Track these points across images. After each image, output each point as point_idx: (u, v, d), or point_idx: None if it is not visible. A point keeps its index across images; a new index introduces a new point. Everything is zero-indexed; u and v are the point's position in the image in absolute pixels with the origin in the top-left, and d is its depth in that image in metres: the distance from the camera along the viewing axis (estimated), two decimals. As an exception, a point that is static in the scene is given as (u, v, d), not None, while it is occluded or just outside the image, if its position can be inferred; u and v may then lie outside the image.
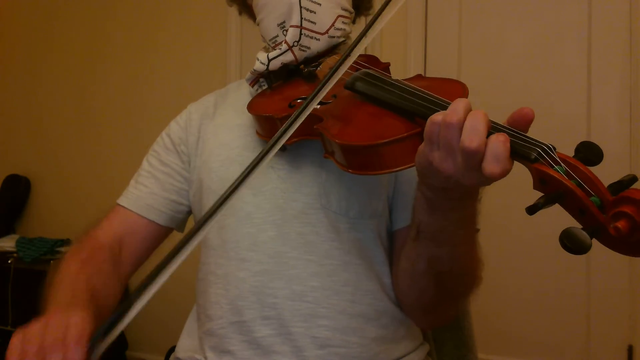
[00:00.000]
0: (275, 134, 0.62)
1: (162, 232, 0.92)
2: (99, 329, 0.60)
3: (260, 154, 0.60)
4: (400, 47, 2.20)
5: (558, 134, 1.96)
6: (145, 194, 0.90)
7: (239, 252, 0.80)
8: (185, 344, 0.88)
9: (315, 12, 0.80)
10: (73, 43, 2.76)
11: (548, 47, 2.03)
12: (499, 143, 0.51)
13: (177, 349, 0.89)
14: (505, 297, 2.04)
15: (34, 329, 0.59)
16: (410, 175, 0.80)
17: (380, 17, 0.68)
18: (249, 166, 0.59)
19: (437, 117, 0.55)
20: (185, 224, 0.96)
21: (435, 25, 2.20)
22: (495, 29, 2.11)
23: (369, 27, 0.68)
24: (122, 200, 0.91)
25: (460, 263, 0.71)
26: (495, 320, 2.03)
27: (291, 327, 0.76)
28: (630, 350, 1.93)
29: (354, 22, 0.91)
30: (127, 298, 0.57)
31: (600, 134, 1.92)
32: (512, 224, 2.03)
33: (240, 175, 0.59)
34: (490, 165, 0.51)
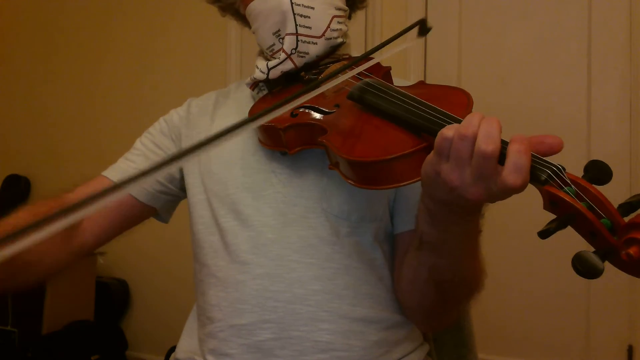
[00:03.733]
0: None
1: (138, 211, 0.89)
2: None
3: (235, 124, 0.53)
4: (400, 52, 2.20)
5: (558, 134, 1.97)
6: (132, 169, 0.88)
7: (240, 255, 0.79)
8: (185, 344, 0.88)
9: (309, 17, 0.79)
10: (74, 43, 2.76)
11: (548, 47, 2.03)
12: (522, 154, 0.51)
13: (177, 349, 0.89)
14: (505, 297, 2.04)
15: None
16: None
17: (388, 45, 0.67)
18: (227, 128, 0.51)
19: (449, 131, 0.55)
20: (171, 214, 0.95)
21: (435, 26, 2.19)
22: (495, 30, 2.11)
23: (372, 51, 0.67)
24: (106, 172, 0.89)
25: (461, 274, 0.71)
26: (495, 320, 2.03)
27: (292, 331, 0.75)
28: (630, 350, 1.93)
29: (349, 18, 0.91)
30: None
31: (600, 134, 1.92)
32: (512, 223, 2.03)
33: (211, 136, 0.50)
34: (511, 177, 0.51)
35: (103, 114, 2.68)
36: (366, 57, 0.69)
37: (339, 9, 0.83)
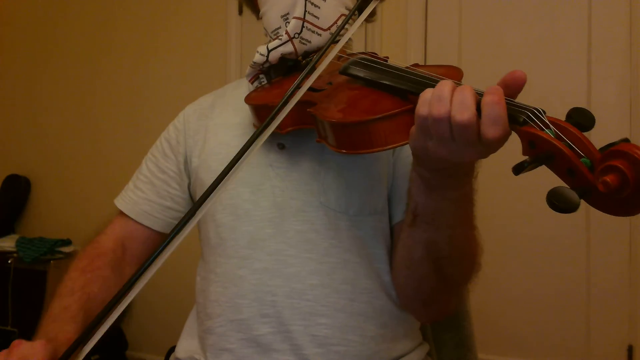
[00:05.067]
0: (269, 116, 0.63)
1: (161, 236, 0.93)
2: (67, 349, 0.61)
3: (255, 132, 0.62)
4: (400, 48, 2.20)
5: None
6: (142, 200, 0.91)
7: (238, 250, 0.80)
8: (185, 344, 0.88)
9: (319, 7, 0.80)
10: (73, 43, 2.76)
11: (548, 47, 2.03)
12: (495, 105, 0.51)
13: (177, 349, 0.89)
14: (505, 297, 2.04)
15: None
16: (406, 170, 0.80)
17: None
18: (242, 149, 0.61)
19: (424, 109, 0.55)
20: None
21: (435, 26, 2.20)
22: (495, 29, 2.11)
23: (355, 9, 0.69)
24: (120, 203, 0.93)
25: (459, 247, 0.70)
26: (495, 320, 2.03)
27: (290, 326, 0.76)
28: (630, 350, 1.93)
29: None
30: (99, 313, 0.58)
31: (600, 134, 1.92)
32: (513, 224, 2.03)
33: (232, 160, 0.61)
34: (491, 129, 0.51)
35: (103, 114, 2.68)
36: (342, 27, 0.70)
37: (349, 10, 0.83)
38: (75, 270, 0.84)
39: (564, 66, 2.01)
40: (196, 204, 0.60)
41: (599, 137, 0.50)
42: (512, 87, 0.56)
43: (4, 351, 0.63)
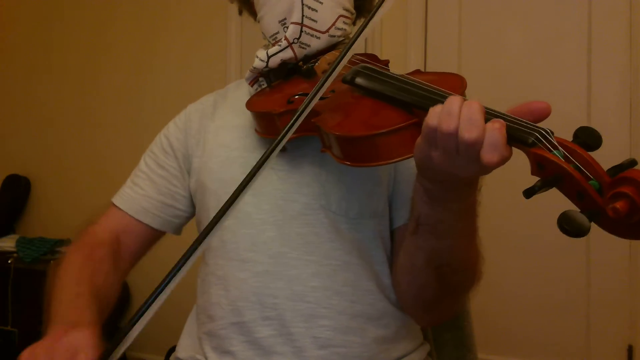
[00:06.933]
0: (277, 139, 0.62)
1: (158, 234, 0.92)
2: (105, 350, 0.58)
3: (262, 157, 0.61)
4: (400, 48, 2.20)
5: (558, 134, 1.97)
6: (141, 197, 0.90)
7: (239, 252, 0.80)
8: (186, 344, 0.88)
9: (316, 10, 0.79)
10: (73, 43, 2.76)
11: (548, 47, 2.03)
12: (495, 131, 0.51)
13: (177, 348, 0.89)
14: (505, 297, 2.04)
15: (41, 354, 0.58)
16: (408, 174, 0.80)
17: (379, 10, 0.68)
18: (251, 172, 0.60)
19: (433, 121, 0.55)
20: (182, 228, 0.96)
21: (436, 25, 2.20)
22: (495, 29, 2.11)
23: (367, 21, 0.68)
24: (118, 200, 0.91)
25: (460, 257, 0.70)
26: (495, 320, 2.03)
27: (292, 328, 0.76)
28: (630, 350, 1.93)
29: (354, 23, 0.91)
30: (133, 316, 0.55)
31: (601, 134, 1.92)
32: (513, 224, 2.03)
33: (244, 180, 0.59)
34: (488, 154, 0.51)
35: (103, 114, 2.68)
36: (359, 36, 0.69)
37: (346, 10, 0.83)
38: (78, 258, 0.81)
39: (564, 67, 2.01)
40: (206, 227, 0.59)
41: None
42: (534, 115, 0.55)
43: (44, 341, 0.60)
